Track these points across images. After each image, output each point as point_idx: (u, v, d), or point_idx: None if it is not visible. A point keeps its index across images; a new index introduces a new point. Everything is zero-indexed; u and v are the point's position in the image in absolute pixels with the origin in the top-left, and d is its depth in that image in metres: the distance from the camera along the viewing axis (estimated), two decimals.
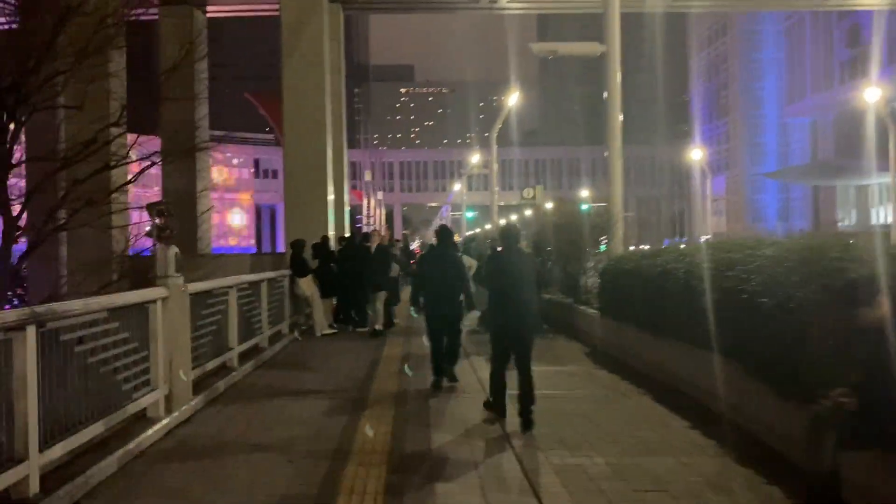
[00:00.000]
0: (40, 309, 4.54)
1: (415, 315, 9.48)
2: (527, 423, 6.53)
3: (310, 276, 13.44)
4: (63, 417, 4.88)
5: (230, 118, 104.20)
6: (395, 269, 14.81)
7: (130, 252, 26.72)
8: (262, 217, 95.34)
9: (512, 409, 6.90)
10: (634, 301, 9.28)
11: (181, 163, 29.30)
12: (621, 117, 13.23)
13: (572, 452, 5.74)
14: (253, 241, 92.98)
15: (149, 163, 11.54)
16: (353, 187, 67.01)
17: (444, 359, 8.57)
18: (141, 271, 22.35)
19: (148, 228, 23.97)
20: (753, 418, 6.09)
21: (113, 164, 11.85)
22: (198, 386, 7.83)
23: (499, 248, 7.55)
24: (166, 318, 6.81)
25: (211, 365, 8.40)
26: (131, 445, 5.69)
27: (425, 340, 9.24)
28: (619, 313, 10.17)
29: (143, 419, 6.46)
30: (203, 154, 29.82)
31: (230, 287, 9.27)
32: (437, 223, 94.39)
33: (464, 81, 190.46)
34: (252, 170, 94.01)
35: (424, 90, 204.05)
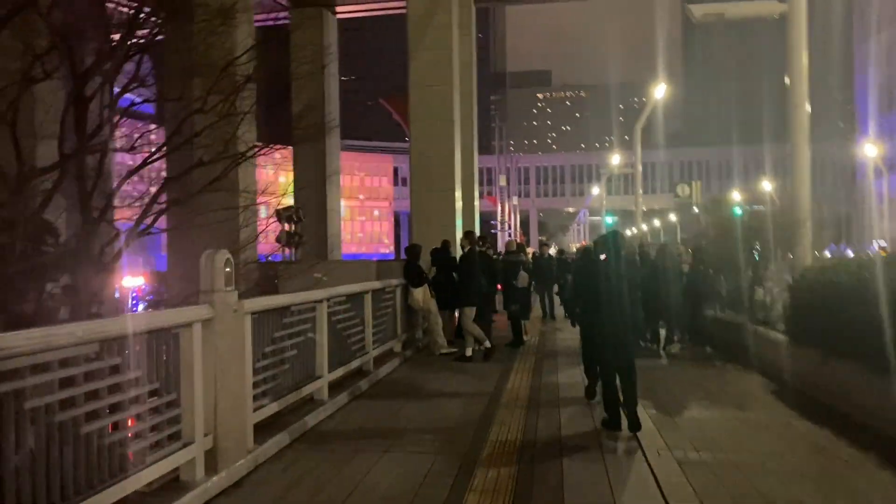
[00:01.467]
0: None
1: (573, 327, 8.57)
2: (634, 423, 6.49)
3: (426, 286, 11.55)
4: None
5: (369, 128, 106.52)
6: (523, 279, 12.73)
7: (261, 258, 26.13)
8: (401, 224, 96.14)
9: None
10: (855, 326, 6.67)
11: (311, 169, 28.87)
12: (809, 107, 10.56)
13: None
14: (392, 249, 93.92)
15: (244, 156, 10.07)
16: (488, 193, 65.45)
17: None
18: (270, 278, 21.44)
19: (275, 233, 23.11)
20: None
21: (207, 160, 10.50)
22: (264, 430, 6.10)
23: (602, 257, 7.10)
24: (209, 346, 5.08)
25: (286, 401, 6.65)
26: None
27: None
28: (826, 341, 7.51)
29: (172, 485, 4.76)
30: (333, 156, 29.23)
31: (318, 301, 7.51)
32: (575, 228, 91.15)
33: (602, 84, 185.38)
34: (391, 178, 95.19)
35: (562, 94, 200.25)
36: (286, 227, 22.67)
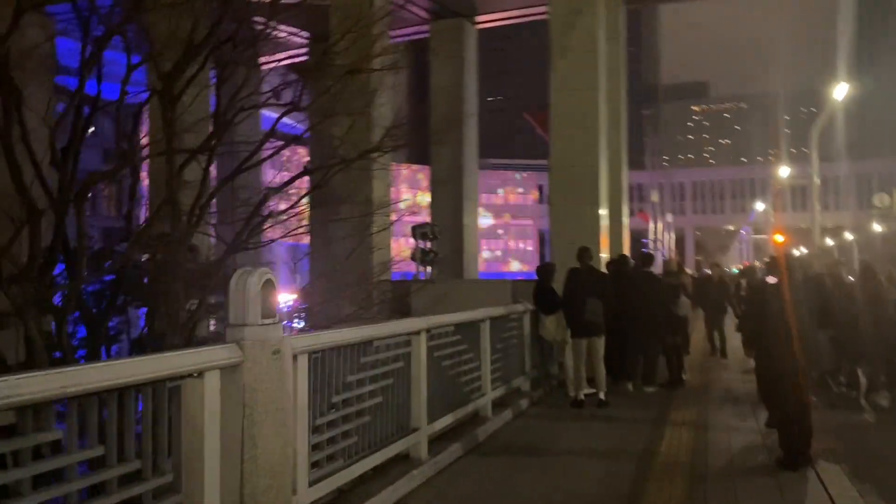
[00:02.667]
0: None
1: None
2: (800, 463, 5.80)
3: (560, 314, 9.68)
4: None
5: (514, 146, 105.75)
6: (685, 306, 10.63)
7: (409, 276, 25.32)
8: (545, 243, 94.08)
9: None
10: None
11: (448, 186, 27.79)
12: None
13: None
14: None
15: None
16: (639, 210, 62.00)
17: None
18: (402, 297, 20.30)
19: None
20: None
21: (311, 168, 9.40)
22: None
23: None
24: (233, 402, 3.65)
25: (366, 464, 5.13)
26: None
27: None
28: None
29: None
30: (470, 172, 28.03)
31: (413, 333, 5.97)
32: (736, 247, 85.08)
33: (765, 94, 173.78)
34: (536, 196, 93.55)
35: (720, 106, 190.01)
36: (421, 244, 21.70)
